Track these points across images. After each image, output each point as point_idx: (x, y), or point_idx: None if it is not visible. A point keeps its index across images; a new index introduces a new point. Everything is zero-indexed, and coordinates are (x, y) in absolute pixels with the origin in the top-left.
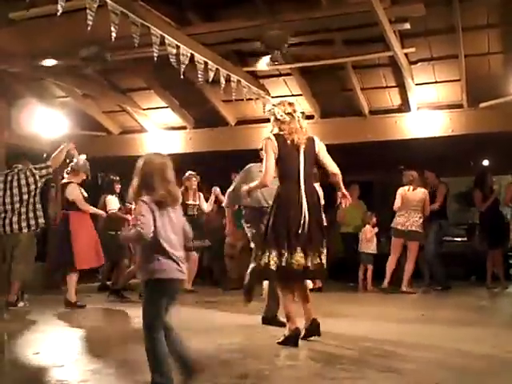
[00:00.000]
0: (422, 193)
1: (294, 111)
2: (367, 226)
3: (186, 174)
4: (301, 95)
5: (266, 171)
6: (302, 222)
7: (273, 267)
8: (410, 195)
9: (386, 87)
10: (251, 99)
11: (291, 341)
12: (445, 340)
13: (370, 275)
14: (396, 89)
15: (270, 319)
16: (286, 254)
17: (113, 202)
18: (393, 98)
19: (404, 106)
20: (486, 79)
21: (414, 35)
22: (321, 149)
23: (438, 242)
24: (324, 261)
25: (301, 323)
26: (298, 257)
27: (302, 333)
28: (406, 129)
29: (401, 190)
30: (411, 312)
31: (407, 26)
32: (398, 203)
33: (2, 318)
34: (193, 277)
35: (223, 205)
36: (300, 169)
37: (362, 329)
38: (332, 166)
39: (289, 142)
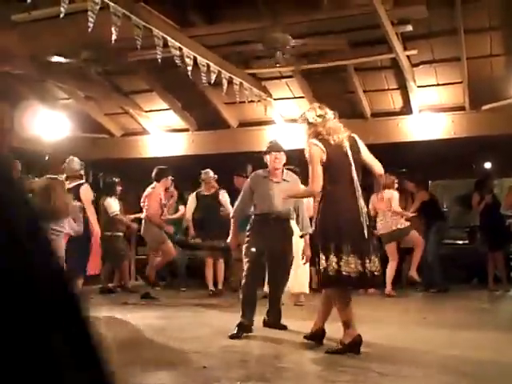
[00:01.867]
0: (388, 193)
1: (326, 113)
2: None
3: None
4: (303, 97)
5: (314, 179)
6: (361, 226)
7: (331, 273)
8: (379, 198)
9: (388, 89)
10: (253, 101)
11: (353, 348)
12: (446, 344)
13: None
14: (398, 91)
15: (271, 322)
16: (348, 259)
17: (113, 205)
18: (395, 101)
19: (406, 109)
20: (488, 82)
21: (416, 37)
22: (362, 148)
23: (437, 244)
24: (380, 267)
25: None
26: (369, 262)
27: (308, 335)
28: (408, 131)
29: (372, 197)
30: (413, 315)
31: (409, 28)
32: (370, 208)
33: None
34: (219, 278)
35: (230, 215)
36: (352, 170)
37: (363, 332)
38: (377, 165)
39: (332, 143)
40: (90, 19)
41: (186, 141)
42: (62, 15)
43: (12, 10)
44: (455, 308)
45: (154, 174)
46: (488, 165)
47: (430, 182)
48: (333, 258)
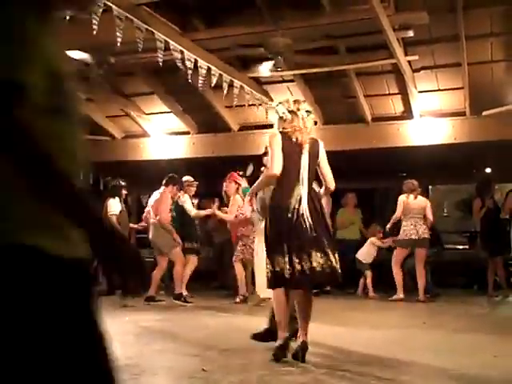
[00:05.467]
0: (423, 201)
1: (298, 109)
2: (373, 238)
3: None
4: (304, 102)
5: (272, 162)
6: (299, 224)
7: (287, 274)
8: (412, 203)
9: (389, 94)
10: (254, 105)
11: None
12: (446, 349)
13: (369, 282)
14: (399, 96)
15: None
16: (287, 259)
17: (114, 205)
18: (396, 106)
19: (407, 114)
20: (488, 87)
21: (417, 43)
22: (322, 155)
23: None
24: (335, 264)
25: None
26: (303, 261)
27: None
28: (409, 136)
29: (403, 198)
30: (413, 320)
31: (411, 33)
32: (399, 211)
33: None
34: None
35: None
36: (301, 169)
37: (363, 336)
38: (329, 178)
39: (293, 140)
40: (94, 22)
41: (186, 144)
42: (66, 17)
43: None
44: (455, 313)
45: (164, 180)
46: (488, 170)
47: (430, 186)
48: (283, 259)
